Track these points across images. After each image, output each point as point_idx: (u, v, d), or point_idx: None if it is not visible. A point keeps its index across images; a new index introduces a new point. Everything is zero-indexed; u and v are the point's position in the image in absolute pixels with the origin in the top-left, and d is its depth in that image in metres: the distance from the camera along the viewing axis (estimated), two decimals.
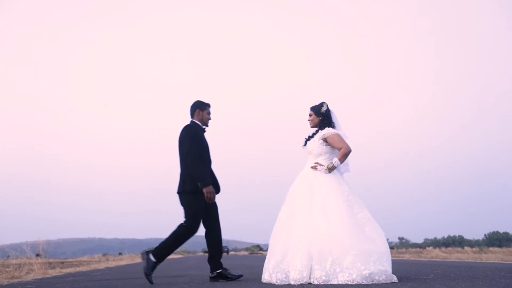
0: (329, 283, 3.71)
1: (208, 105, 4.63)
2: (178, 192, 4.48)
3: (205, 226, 4.52)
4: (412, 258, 13.68)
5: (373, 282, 3.70)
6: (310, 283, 3.77)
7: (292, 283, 3.81)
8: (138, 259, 21.84)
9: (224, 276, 4.52)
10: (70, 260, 23.59)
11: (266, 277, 4.06)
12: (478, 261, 10.10)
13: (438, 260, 11.46)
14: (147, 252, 4.39)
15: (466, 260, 10.40)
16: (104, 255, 40.12)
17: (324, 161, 4.28)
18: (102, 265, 12.24)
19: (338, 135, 4.30)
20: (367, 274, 3.70)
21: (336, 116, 4.47)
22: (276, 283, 3.92)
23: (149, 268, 4.33)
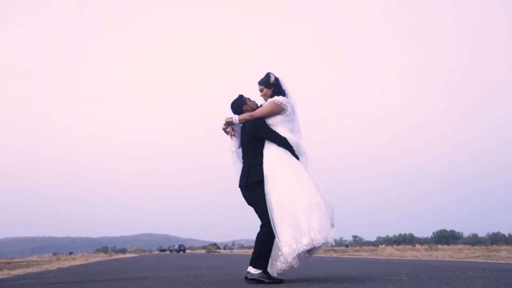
0: (319, 236, 3.73)
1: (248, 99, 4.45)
2: (242, 186, 4.16)
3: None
4: (370, 257, 13.91)
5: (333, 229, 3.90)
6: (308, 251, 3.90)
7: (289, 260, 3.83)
8: (92, 259, 20.96)
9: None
10: (18, 260, 22.48)
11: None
12: (435, 259, 10.36)
13: (396, 258, 11.69)
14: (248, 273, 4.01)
15: (423, 259, 10.64)
16: (54, 254, 38.61)
17: (281, 129, 4.21)
18: (54, 266, 11.63)
19: (273, 103, 4.23)
20: (332, 224, 3.94)
21: (284, 83, 4.41)
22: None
23: (265, 277, 3.97)
